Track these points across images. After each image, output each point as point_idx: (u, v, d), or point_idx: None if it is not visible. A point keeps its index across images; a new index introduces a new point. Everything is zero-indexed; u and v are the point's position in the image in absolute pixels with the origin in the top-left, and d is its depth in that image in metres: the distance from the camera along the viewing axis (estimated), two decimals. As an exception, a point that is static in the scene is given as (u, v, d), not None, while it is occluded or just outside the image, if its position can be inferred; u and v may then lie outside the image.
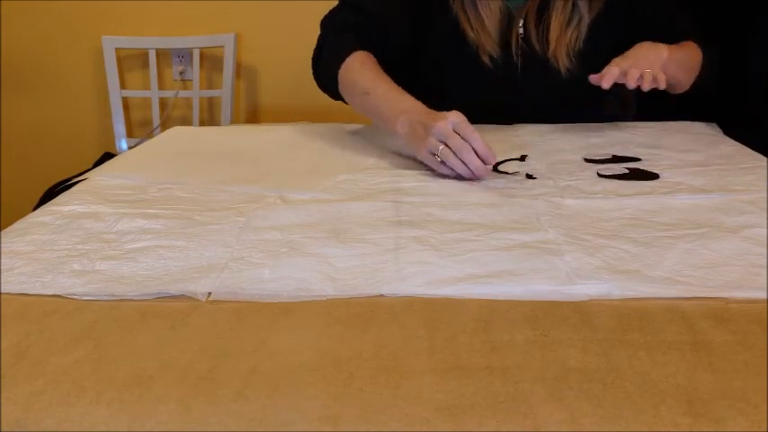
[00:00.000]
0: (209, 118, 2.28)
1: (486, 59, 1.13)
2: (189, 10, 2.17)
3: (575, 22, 1.12)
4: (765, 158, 0.95)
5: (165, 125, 2.16)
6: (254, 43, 2.19)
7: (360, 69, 1.05)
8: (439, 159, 0.88)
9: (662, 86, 1.03)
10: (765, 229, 0.70)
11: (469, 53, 1.13)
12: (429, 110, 0.94)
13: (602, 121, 1.18)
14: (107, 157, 2.14)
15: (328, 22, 1.16)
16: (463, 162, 0.87)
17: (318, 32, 1.17)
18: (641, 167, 0.92)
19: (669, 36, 1.13)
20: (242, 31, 2.18)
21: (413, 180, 0.89)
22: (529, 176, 0.90)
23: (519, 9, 1.14)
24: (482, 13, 1.12)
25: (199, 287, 0.60)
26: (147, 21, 2.18)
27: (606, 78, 1.02)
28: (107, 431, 0.42)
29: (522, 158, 0.98)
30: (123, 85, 2.20)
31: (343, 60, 1.07)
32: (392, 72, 1.06)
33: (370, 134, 1.15)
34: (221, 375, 0.48)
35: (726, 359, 0.49)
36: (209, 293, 0.60)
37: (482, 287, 0.59)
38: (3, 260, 0.66)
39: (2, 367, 0.49)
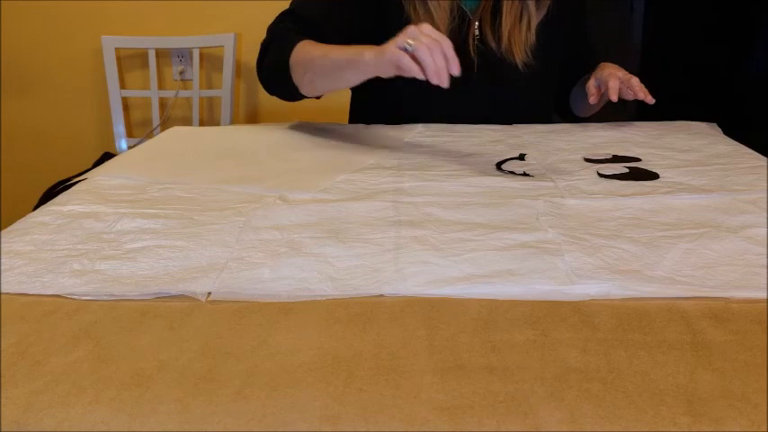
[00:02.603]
0: (210, 118, 2.28)
1: None
2: (189, 10, 2.17)
3: (525, 21, 1.16)
4: (765, 158, 0.95)
5: (164, 125, 2.16)
6: (254, 43, 2.18)
7: (311, 45, 1.06)
8: (408, 53, 0.87)
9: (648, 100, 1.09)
10: (765, 229, 0.70)
11: None
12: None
13: (559, 120, 1.23)
14: (107, 157, 2.14)
15: (272, 31, 1.17)
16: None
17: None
18: (641, 167, 0.92)
19: (589, 51, 1.25)
20: (242, 31, 2.18)
21: (413, 180, 0.89)
22: (526, 175, 0.90)
23: (474, 10, 1.17)
24: (432, 12, 1.14)
25: (199, 287, 0.60)
26: (147, 21, 2.18)
27: (612, 93, 1.09)
28: (107, 431, 0.42)
29: (522, 157, 0.98)
30: (123, 85, 2.20)
31: (293, 47, 1.07)
32: None
33: (370, 134, 1.15)
34: (221, 375, 0.48)
35: (726, 359, 0.49)
36: (209, 293, 0.60)
37: (482, 287, 0.59)
38: (3, 260, 0.66)
39: (2, 367, 0.49)
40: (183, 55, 2.20)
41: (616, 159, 0.96)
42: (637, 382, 0.46)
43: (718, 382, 0.46)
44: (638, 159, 0.96)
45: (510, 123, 1.19)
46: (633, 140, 1.07)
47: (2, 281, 0.62)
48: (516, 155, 0.99)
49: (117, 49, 2.16)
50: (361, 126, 1.21)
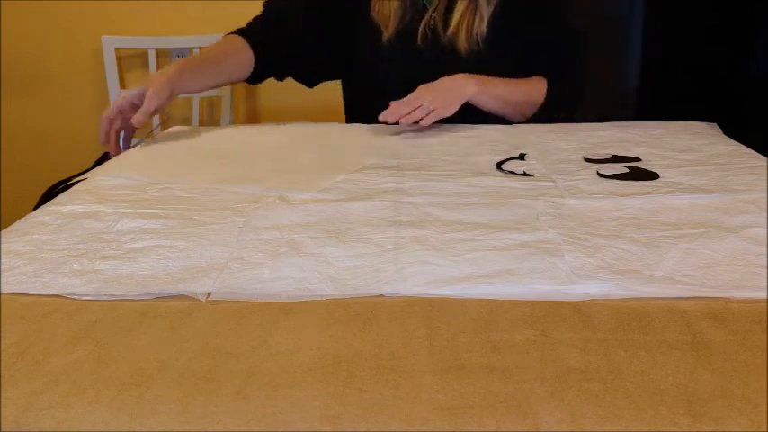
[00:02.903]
0: (209, 118, 2.28)
1: (383, 39, 1.24)
2: (189, 10, 2.17)
3: (476, 11, 1.21)
4: (765, 158, 0.95)
5: (165, 125, 2.16)
6: (254, 43, 2.19)
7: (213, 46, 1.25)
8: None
9: (425, 123, 1.10)
10: (765, 229, 0.70)
11: (375, 41, 1.26)
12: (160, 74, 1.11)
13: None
14: (107, 157, 2.14)
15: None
16: None
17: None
18: (641, 167, 0.92)
19: (534, 55, 1.25)
20: (242, 31, 2.17)
21: (413, 180, 0.89)
22: (526, 175, 0.90)
23: (432, 3, 1.24)
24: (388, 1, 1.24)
25: (199, 287, 0.60)
26: (147, 21, 2.18)
27: (391, 115, 1.10)
28: (107, 431, 0.42)
29: (522, 157, 0.98)
30: (123, 85, 2.20)
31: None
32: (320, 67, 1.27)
33: (371, 134, 1.15)
34: (221, 375, 0.48)
35: (726, 359, 0.49)
36: (209, 293, 0.60)
37: (482, 287, 0.59)
38: (3, 260, 0.66)
39: (2, 367, 0.49)
40: (183, 55, 2.20)
41: (616, 159, 0.96)
42: (637, 382, 0.46)
43: (718, 382, 0.46)
44: (638, 159, 0.96)
45: (459, 114, 1.19)
46: (633, 140, 1.06)
47: (2, 281, 0.62)
48: (516, 155, 0.99)
49: (117, 49, 2.15)
50: (361, 126, 1.21)
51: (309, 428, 0.42)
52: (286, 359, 0.49)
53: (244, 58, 1.25)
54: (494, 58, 1.21)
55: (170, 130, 1.24)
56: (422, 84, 1.15)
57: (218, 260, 0.66)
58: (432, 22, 1.23)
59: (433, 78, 1.17)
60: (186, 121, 2.21)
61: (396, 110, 1.10)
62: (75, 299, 0.59)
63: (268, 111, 2.26)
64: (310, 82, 1.38)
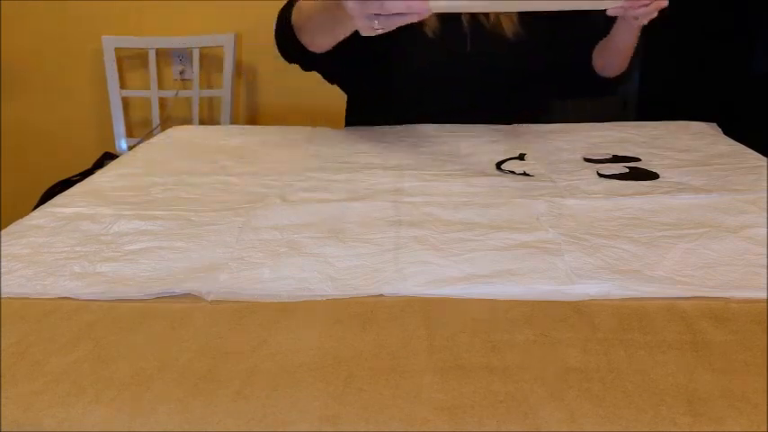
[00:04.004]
0: (209, 118, 2.28)
1: (429, 34, 1.17)
2: (189, 10, 2.17)
3: None
4: (765, 158, 0.95)
5: (164, 125, 2.16)
6: (254, 43, 2.19)
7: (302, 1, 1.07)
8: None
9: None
10: (765, 229, 0.70)
11: (417, 32, 1.17)
12: None
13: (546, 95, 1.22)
14: (107, 156, 2.14)
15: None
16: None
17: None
18: (641, 167, 0.92)
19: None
20: (242, 31, 2.18)
21: (413, 180, 0.89)
22: (526, 175, 0.90)
23: None
24: None
25: (199, 287, 0.60)
26: (147, 21, 2.18)
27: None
28: (107, 431, 0.42)
29: (521, 157, 0.98)
30: (123, 85, 2.20)
31: (291, 7, 1.09)
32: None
33: (371, 134, 1.15)
34: (221, 375, 0.48)
35: (726, 359, 0.49)
36: (210, 293, 0.60)
37: (482, 287, 0.59)
38: (1, 262, 0.66)
39: (2, 367, 0.49)
40: (183, 55, 2.20)
41: (616, 159, 0.96)
42: (637, 382, 0.46)
43: (718, 382, 0.46)
44: (638, 159, 0.96)
45: (505, 98, 1.19)
46: (633, 140, 1.06)
47: (2, 284, 0.62)
48: (516, 155, 0.99)
49: (117, 49, 2.15)
50: (361, 127, 1.21)
51: (309, 428, 0.42)
52: (286, 359, 0.49)
53: None
54: (533, 39, 1.18)
55: (170, 129, 1.24)
56: (471, 72, 1.13)
57: (218, 260, 0.66)
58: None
59: (485, 66, 1.15)
60: (186, 121, 2.21)
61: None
62: (74, 299, 0.59)
63: (268, 111, 2.26)
64: (334, 76, 1.29)
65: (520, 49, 1.18)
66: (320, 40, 1.07)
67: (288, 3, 1.17)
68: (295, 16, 1.08)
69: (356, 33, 1.09)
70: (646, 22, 1.05)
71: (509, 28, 1.18)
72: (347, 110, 1.38)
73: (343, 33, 1.01)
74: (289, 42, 1.12)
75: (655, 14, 1.03)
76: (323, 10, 0.99)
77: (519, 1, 0.99)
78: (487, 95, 1.20)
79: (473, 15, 1.19)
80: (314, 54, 1.11)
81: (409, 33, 1.16)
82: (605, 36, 1.20)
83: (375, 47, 1.17)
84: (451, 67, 1.18)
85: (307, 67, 1.18)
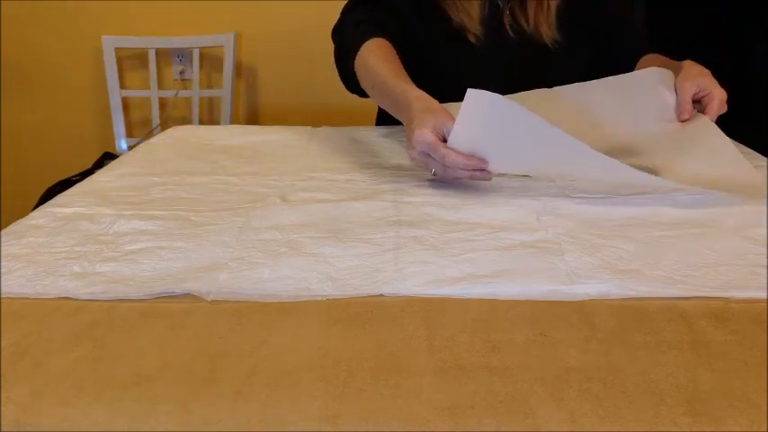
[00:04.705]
0: (209, 118, 2.28)
1: (472, 39, 1.17)
2: (189, 10, 2.17)
3: (546, 3, 1.19)
4: (765, 158, 0.95)
5: (164, 125, 2.16)
6: (254, 43, 2.19)
7: (371, 58, 1.03)
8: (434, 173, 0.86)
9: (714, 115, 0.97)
10: (765, 229, 0.70)
11: (457, 36, 1.17)
12: (421, 109, 0.89)
13: None
14: (107, 156, 2.14)
15: (345, 18, 1.17)
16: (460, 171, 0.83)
17: (327, 34, 1.19)
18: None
19: (630, 34, 1.23)
20: (242, 31, 2.18)
21: (413, 180, 0.89)
22: (525, 175, 0.90)
23: (507, 2, 1.19)
24: (467, 5, 1.17)
25: (199, 287, 0.60)
26: (147, 21, 2.18)
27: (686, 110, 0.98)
28: (107, 431, 0.42)
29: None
30: (123, 85, 2.20)
31: (356, 53, 1.06)
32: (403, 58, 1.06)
33: (371, 134, 1.15)
34: (221, 375, 0.48)
35: (726, 359, 0.49)
36: (210, 293, 0.60)
37: (482, 287, 0.59)
38: (1, 262, 0.66)
39: (2, 367, 0.49)
40: (183, 55, 2.20)
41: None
42: (637, 382, 0.46)
43: (718, 382, 0.46)
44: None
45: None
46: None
47: (2, 284, 0.62)
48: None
49: (117, 49, 2.16)
50: (361, 127, 1.21)
51: (309, 428, 0.42)
52: (286, 359, 0.49)
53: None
54: (572, 44, 1.18)
55: (170, 129, 1.24)
56: (515, 79, 1.11)
57: (218, 260, 0.66)
58: (509, 17, 1.19)
59: (529, 73, 1.14)
60: (186, 121, 2.21)
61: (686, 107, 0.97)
62: (74, 299, 0.59)
63: (268, 111, 2.26)
64: None
65: (557, 53, 1.18)
66: (378, 102, 1.07)
67: (342, 23, 1.15)
68: (361, 76, 1.05)
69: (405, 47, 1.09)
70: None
71: (546, 33, 1.18)
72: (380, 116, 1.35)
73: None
74: (351, 81, 1.10)
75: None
76: (391, 106, 0.98)
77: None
78: None
79: (517, 22, 1.18)
80: None
81: (454, 48, 1.17)
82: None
83: (422, 56, 1.17)
84: (502, 75, 1.17)
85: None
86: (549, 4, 1.19)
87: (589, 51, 1.22)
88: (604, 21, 1.23)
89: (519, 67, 1.17)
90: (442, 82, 1.08)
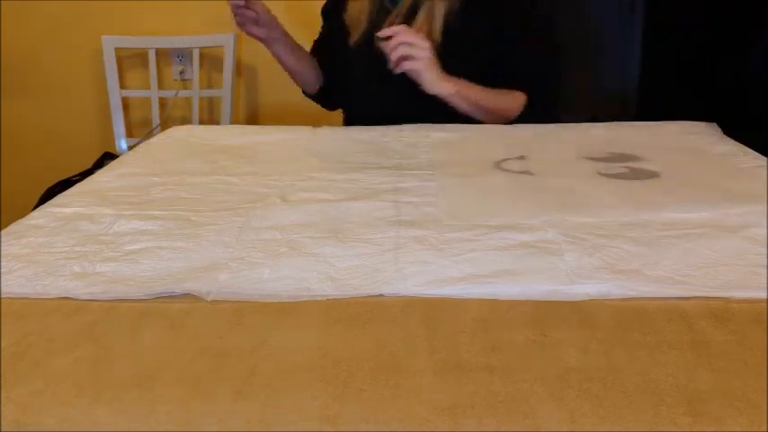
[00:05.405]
0: (209, 118, 2.27)
1: (353, 45, 1.31)
2: (189, 10, 2.17)
3: (435, 12, 1.26)
4: (765, 158, 0.95)
5: (164, 125, 2.16)
6: (254, 43, 2.18)
7: None
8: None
9: (398, 69, 1.15)
10: (765, 229, 0.70)
11: (344, 42, 1.33)
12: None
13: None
14: (107, 156, 2.14)
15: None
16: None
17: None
18: (641, 167, 0.92)
19: (508, 64, 1.27)
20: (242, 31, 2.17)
21: (413, 180, 0.89)
22: (526, 174, 0.90)
23: (398, 7, 1.28)
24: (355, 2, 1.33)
25: (199, 287, 0.60)
26: (147, 21, 2.18)
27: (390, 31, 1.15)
28: (107, 431, 0.42)
29: (522, 158, 0.98)
30: (123, 85, 2.20)
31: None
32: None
33: (371, 134, 1.15)
34: (221, 375, 0.48)
35: (726, 359, 0.49)
36: (210, 293, 0.60)
37: (482, 287, 0.59)
38: (1, 262, 0.66)
39: (2, 367, 0.49)
40: (183, 55, 2.20)
41: (616, 159, 0.96)
42: (637, 382, 0.46)
43: (718, 382, 0.46)
44: (638, 159, 0.96)
45: (429, 113, 1.19)
46: (633, 140, 1.06)
47: (2, 284, 0.62)
48: (516, 155, 0.99)
49: (117, 49, 2.15)
50: (361, 127, 1.21)
51: (309, 428, 0.42)
52: (286, 359, 0.49)
53: (317, 71, 1.41)
54: (453, 58, 1.20)
55: (170, 129, 1.24)
56: (386, 84, 1.19)
57: (218, 260, 0.66)
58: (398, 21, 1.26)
59: (399, 78, 1.18)
60: (186, 121, 2.21)
61: (396, 32, 1.14)
62: (74, 299, 0.59)
63: (268, 111, 2.26)
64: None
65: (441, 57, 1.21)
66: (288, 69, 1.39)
67: None
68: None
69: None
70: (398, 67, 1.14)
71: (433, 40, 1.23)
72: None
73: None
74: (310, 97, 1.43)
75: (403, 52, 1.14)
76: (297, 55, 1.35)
77: None
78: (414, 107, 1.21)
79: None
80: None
81: (339, 49, 1.36)
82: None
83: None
84: (373, 77, 1.27)
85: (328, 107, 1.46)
86: (436, 19, 1.25)
87: (472, 62, 1.24)
88: (498, 38, 1.25)
89: (387, 71, 1.19)
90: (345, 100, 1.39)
